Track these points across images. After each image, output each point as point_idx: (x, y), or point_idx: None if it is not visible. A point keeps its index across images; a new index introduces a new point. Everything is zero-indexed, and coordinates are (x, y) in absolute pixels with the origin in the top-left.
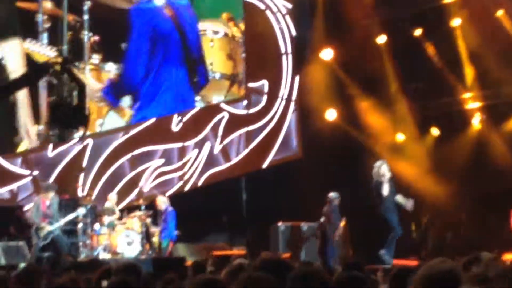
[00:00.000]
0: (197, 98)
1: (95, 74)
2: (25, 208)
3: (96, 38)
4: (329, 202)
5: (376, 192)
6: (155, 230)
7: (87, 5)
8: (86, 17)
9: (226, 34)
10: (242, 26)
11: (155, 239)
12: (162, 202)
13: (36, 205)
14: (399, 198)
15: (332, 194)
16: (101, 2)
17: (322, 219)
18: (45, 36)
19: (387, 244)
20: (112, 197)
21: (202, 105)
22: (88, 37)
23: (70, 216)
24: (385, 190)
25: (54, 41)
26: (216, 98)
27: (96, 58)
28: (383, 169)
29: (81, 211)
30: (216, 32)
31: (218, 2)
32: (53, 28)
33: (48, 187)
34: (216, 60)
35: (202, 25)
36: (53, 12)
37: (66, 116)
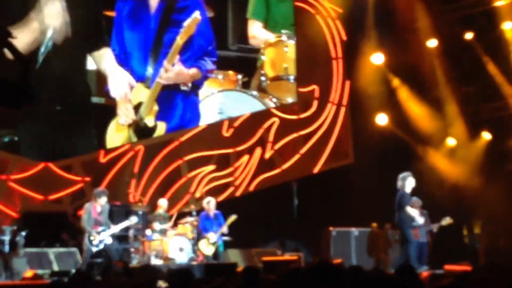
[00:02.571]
0: (274, 99)
1: None
2: (77, 214)
3: None
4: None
5: (398, 202)
6: (209, 235)
7: None
8: None
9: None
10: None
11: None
12: (214, 206)
13: (87, 212)
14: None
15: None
16: None
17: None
18: None
19: (408, 257)
20: (163, 203)
21: (278, 105)
22: None
23: (123, 224)
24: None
25: None
26: (290, 99)
27: None
28: (408, 180)
29: (134, 219)
30: (290, 37)
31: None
32: None
33: (99, 193)
34: (290, 64)
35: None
36: None
37: (8, 94)
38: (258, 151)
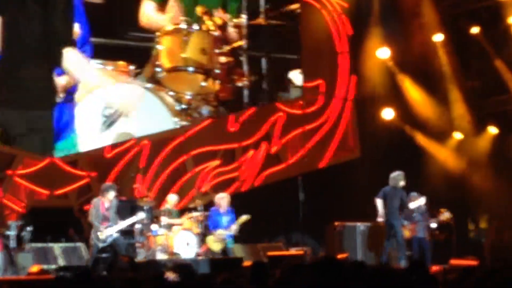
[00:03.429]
0: (171, 93)
1: None
2: (83, 209)
3: None
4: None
5: (390, 198)
6: (217, 232)
7: None
8: None
9: (200, 28)
10: (217, 19)
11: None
12: (228, 203)
13: (95, 207)
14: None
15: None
16: None
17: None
18: None
19: (399, 248)
20: (172, 198)
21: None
22: None
23: (130, 220)
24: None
25: None
26: (189, 92)
27: None
28: (400, 178)
29: (141, 215)
30: (190, 25)
31: None
32: None
33: (107, 188)
34: (190, 54)
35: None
36: None
37: None
38: (263, 146)
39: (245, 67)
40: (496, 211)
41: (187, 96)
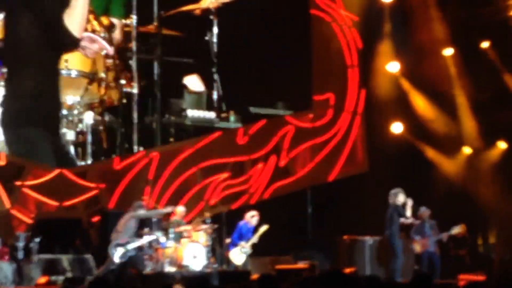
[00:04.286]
0: None
1: None
2: (92, 221)
3: None
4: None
5: (390, 216)
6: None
7: None
8: None
9: (85, 29)
10: (104, 20)
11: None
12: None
13: (126, 223)
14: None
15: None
16: None
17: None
18: None
19: (394, 269)
20: (180, 210)
21: None
22: None
23: (148, 239)
24: (397, 216)
25: None
26: (72, 97)
27: None
28: (399, 196)
29: (159, 234)
30: None
31: None
32: None
33: (139, 206)
34: (71, 57)
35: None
36: None
37: None
38: (273, 159)
39: (135, 71)
40: (505, 226)
41: (69, 101)
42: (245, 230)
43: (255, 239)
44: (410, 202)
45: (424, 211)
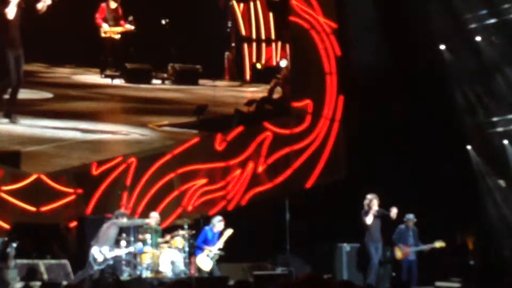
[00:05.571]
0: None
1: None
2: (69, 226)
3: None
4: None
5: (363, 220)
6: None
7: None
8: None
9: None
10: None
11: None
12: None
13: (107, 231)
14: (382, 210)
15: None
16: None
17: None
18: None
19: (367, 274)
20: (155, 215)
21: None
22: None
23: (128, 250)
24: (369, 219)
25: None
26: None
27: None
28: (373, 202)
29: (139, 246)
30: None
31: None
32: None
33: (121, 215)
34: None
35: None
36: None
37: None
38: (250, 165)
39: None
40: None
41: None
42: (210, 235)
43: (221, 243)
44: (394, 210)
45: (411, 219)
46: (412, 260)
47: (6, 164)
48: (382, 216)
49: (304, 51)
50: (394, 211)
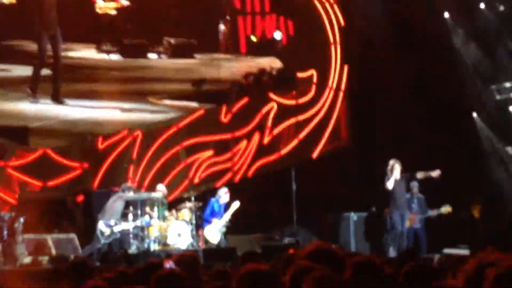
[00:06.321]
0: None
1: None
2: (76, 200)
3: None
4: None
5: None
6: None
7: None
8: None
9: None
10: None
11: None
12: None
13: (113, 204)
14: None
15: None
16: None
17: None
18: None
19: (390, 239)
20: (162, 188)
21: None
22: None
23: (136, 223)
24: (390, 184)
25: None
26: None
27: None
28: (395, 167)
29: (147, 218)
30: None
31: None
32: None
33: (127, 188)
34: None
35: None
36: None
37: None
38: (256, 137)
39: None
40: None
41: None
42: (217, 207)
43: (228, 216)
44: (437, 171)
45: (415, 186)
46: (417, 227)
47: (14, 140)
48: (407, 180)
49: (308, 21)
50: (436, 172)
